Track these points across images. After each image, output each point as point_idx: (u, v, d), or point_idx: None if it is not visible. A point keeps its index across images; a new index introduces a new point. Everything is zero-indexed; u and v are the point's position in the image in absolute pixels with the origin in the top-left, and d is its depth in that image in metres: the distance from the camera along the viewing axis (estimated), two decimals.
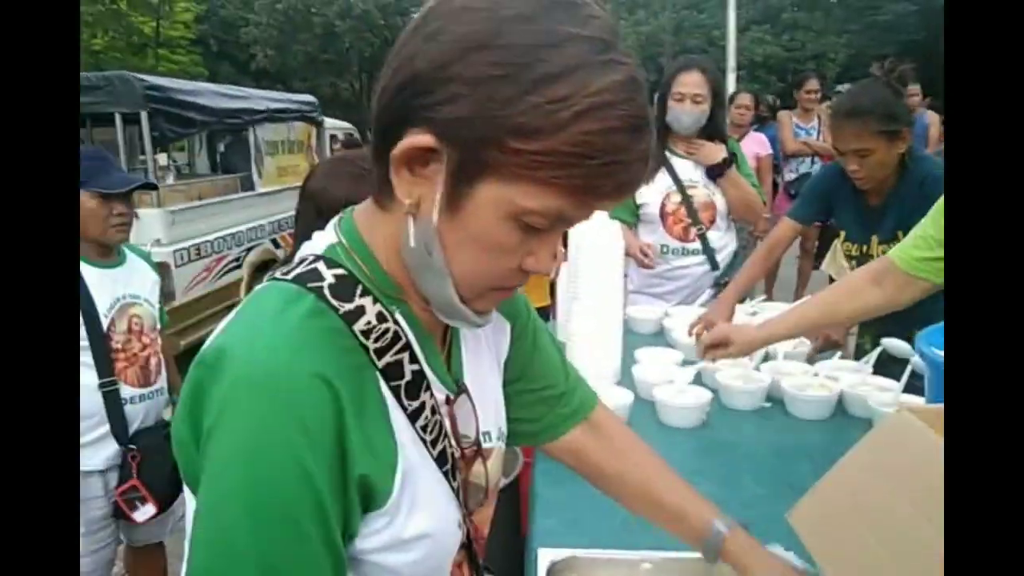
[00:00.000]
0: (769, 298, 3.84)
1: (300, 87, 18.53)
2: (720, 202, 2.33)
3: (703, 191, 2.31)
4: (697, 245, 2.32)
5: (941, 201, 1.34)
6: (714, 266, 2.33)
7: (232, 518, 0.52)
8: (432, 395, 0.63)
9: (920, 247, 1.33)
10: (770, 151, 4.32)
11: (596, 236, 1.74)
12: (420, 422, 0.61)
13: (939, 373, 0.89)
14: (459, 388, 0.69)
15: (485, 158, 0.52)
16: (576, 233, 1.77)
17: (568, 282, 1.82)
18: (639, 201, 2.32)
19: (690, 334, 1.79)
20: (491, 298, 0.61)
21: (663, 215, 2.32)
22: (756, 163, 4.25)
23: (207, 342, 0.56)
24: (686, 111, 2.23)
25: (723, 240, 2.36)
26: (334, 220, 0.65)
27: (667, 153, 2.31)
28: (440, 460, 0.64)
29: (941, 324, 1.01)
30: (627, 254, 2.03)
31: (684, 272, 2.34)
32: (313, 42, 22.98)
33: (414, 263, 0.59)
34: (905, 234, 1.67)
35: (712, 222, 2.32)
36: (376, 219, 0.61)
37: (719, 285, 2.26)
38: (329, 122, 8.13)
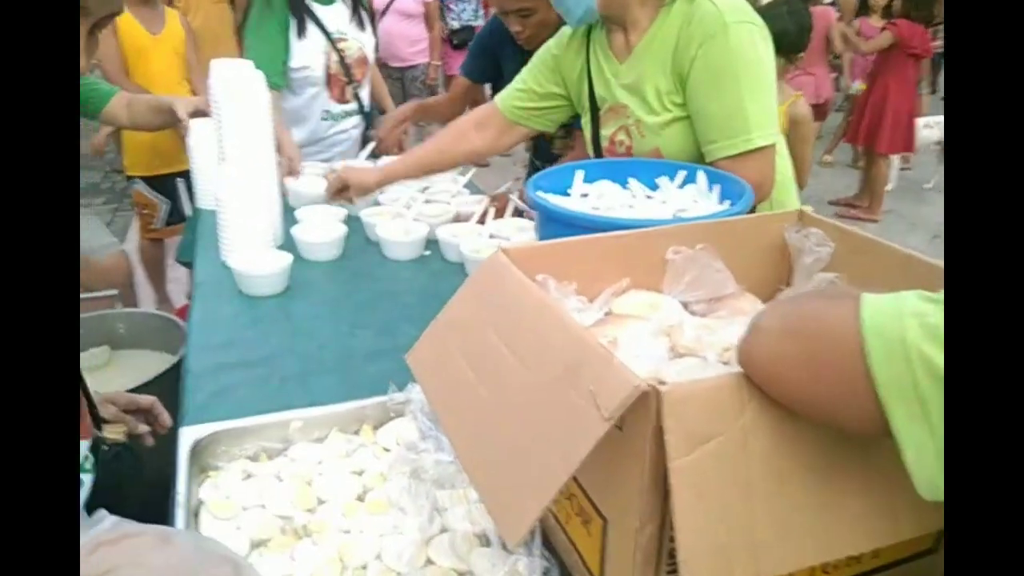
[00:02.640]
0: None
1: None
2: (371, 53, 2.21)
3: (354, 43, 2.14)
4: (354, 105, 2.20)
5: (540, 53, 1.47)
6: (368, 124, 2.26)
7: None
8: None
9: (521, 98, 1.47)
10: None
11: (238, 91, 1.59)
12: None
13: (546, 215, 1.00)
14: None
15: None
16: (216, 89, 1.60)
17: (211, 146, 1.66)
18: (297, 64, 2.05)
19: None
20: None
21: (328, 79, 2.11)
22: (424, 8, 4.20)
23: None
24: None
25: (368, 95, 2.26)
26: None
27: (308, 2, 2.05)
28: None
29: (548, 170, 1.13)
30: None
31: (344, 136, 2.22)
32: None
33: None
34: None
35: (364, 76, 2.20)
36: None
37: (369, 140, 2.19)
38: None
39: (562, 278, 0.79)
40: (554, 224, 0.97)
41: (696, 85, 1.19)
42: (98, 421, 0.84)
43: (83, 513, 0.75)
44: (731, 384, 0.53)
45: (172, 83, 2.59)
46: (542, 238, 1.03)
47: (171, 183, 2.68)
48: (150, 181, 2.68)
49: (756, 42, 1.18)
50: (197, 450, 0.87)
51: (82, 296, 2.02)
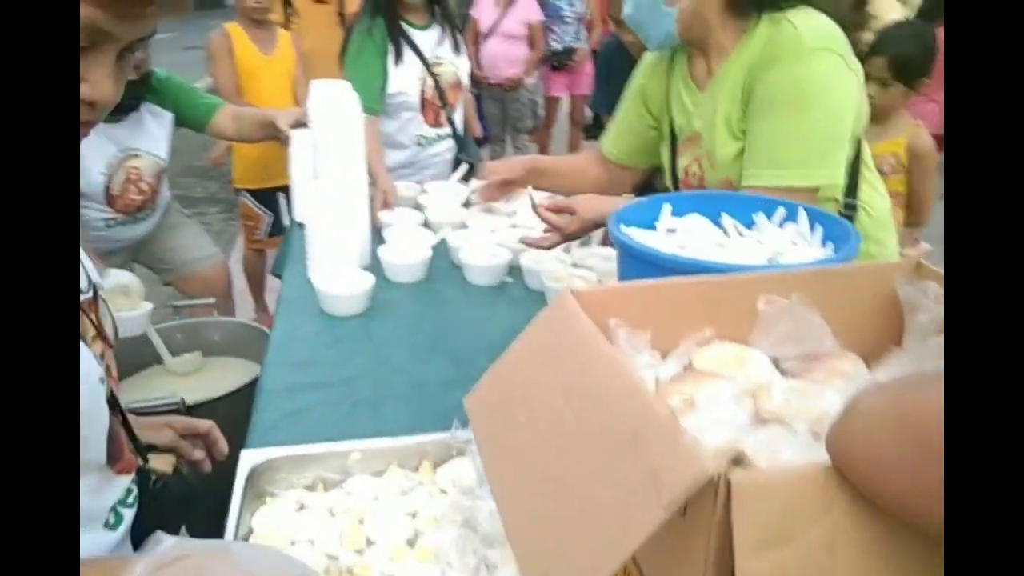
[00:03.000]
0: None
1: None
2: (465, 77, 2.22)
3: (449, 67, 2.15)
4: (447, 129, 2.21)
5: (630, 85, 1.42)
6: (460, 147, 2.26)
7: None
8: None
9: (618, 135, 1.44)
10: (542, 17, 4.27)
11: (334, 110, 1.62)
12: None
13: (626, 252, 0.93)
14: None
15: None
16: (314, 107, 1.63)
17: (308, 160, 1.70)
18: (393, 89, 2.08)
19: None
20: None
21: (423, 103, 2.13)
22: (528, 31, 4.21)
23: None
24: None
25: (460, 118, 2.27)
26: None
27: (405, 26, 2.07)
28: None
29: (634, 202, 1.07)
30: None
31: (437, 159, 2.23)
32: None
33: None
34: None
35: (457, 101, 2.21)
36: None
37: (461, 162, 2.20)
38: None
39: (637, 325, 0.72)
40: (635, 262, 0.90)
41: (752, 106, 1.10)
42: (143, 454, 0.85)
43: (128, 544, 0.75)
44: (816, 477, 0.45)
45: (282, 103, 2.69)
46: (622, 277, 0.97)
47: (275, 196, 2.79)
48: (256, 194, 2.80)
49: (833, 74, 1.07)
50: (254, 476, 0.86)
51: (183, 303, 2.11)
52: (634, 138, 1.43)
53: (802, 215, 1.01)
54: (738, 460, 0.64)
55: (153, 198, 2.09)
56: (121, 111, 1.93)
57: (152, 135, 2.03)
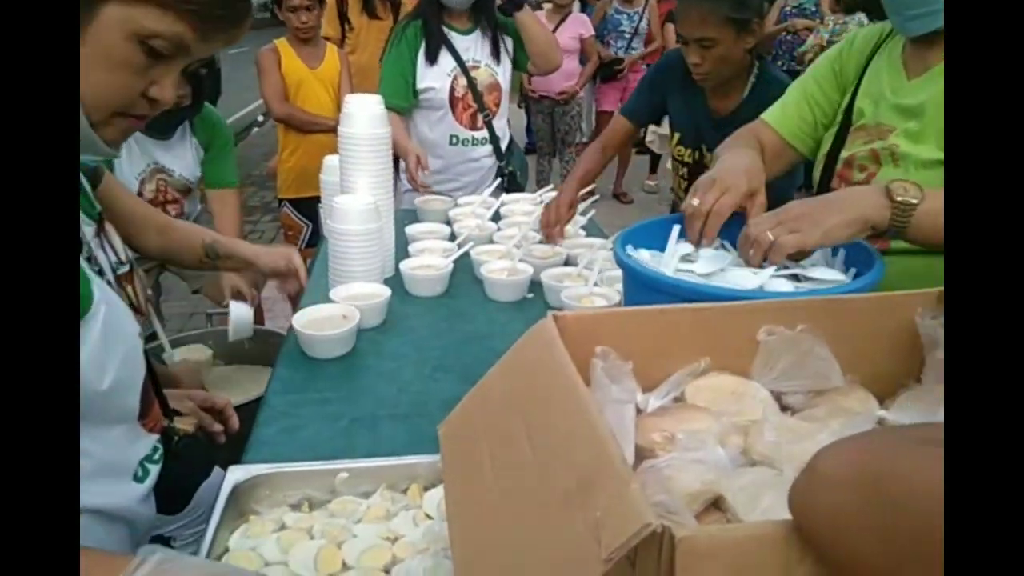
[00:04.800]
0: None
1: None
2: (505, 82, 2.20)
3: (486, 71, 2.15)
4: (485, 133, 2.19)
5: (817, 64, 1.25)
6: (499, 156, 2.23)
7: None
8: (82, 230, 0.72)
9: (802, 111, 1.23)
10: (593, 32, 4.24)
11: (367, 124, 1.62)
12: (83, 254, 0.71)
13: (628, 275, 0.89)
14: (100, 218, 0.80)
15: None
16: (344, 121, 1.63)
17: (337, 173, 1.70)
18: (421, 86, 2.11)
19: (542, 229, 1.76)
20: (118, 126, 0.67)
21: (453, 101, 2.14)
22: (579, 44, 4.18)
23: None
24: None
25: (503, 127, 2.26)
26: None
27: (445, 30, 2.12)
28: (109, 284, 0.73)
29: (640, 224, 1.01)
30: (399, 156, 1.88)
31: (474, 165, 2.21)
32: None
33: None
34: None
35: (497, 106, 2.20)
36: None
37: (504, 175, 2.19)
38: None
39: (628, 353, 0.68)
40: (637, 287, 0.86)
41: None
42: (169, 414, 0.90)
43: (152, 499, 0.81)
44: (776, 537, 0.40)
45: (326, 112, 2.74)
46: (627, 302, 0.92)
47: (315, 206, 2.82)
48: (296, 203, 2.83)
49: None
50: (237, 493, 0.85)
51: (216, 311, 2.15)
52: (823, 117, 1.21)
53: None
54: (716, 505, 0.59)
55: (180, 214, 2.11)
56: (167, 130, 1.96)
57: (186, 161, 2.03)
